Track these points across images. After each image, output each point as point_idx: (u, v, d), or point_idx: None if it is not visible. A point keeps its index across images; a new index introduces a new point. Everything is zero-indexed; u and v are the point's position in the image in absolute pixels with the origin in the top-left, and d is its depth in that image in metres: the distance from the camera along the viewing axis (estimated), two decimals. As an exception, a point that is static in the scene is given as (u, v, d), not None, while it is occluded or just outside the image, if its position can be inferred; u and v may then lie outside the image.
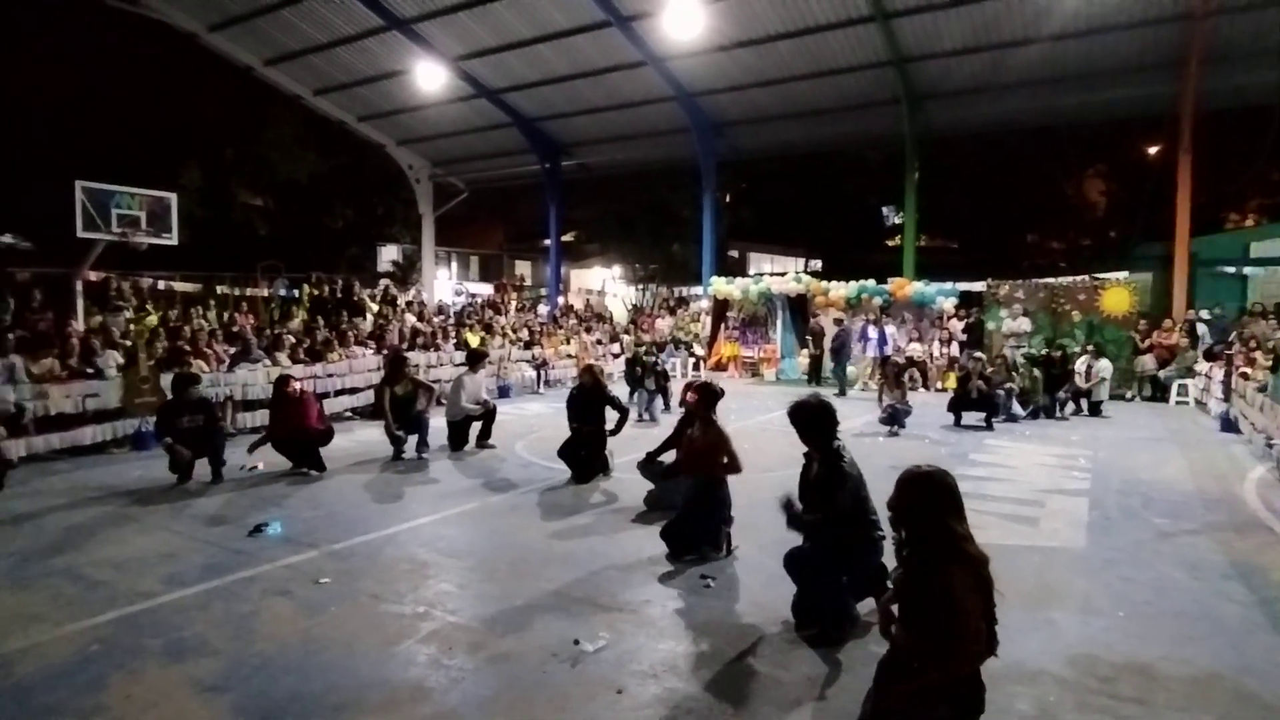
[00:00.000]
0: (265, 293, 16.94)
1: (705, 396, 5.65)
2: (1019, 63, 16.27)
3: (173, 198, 13.09)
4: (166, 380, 9.32)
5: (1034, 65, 16.25)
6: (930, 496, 2.64)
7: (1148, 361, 14.64)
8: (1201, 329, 14.86)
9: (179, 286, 17.00)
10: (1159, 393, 14.30)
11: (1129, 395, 14.35)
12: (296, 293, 15.99)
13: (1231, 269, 19.61)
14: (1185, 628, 4.17)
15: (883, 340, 16.03)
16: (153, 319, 12.76)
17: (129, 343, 10.06)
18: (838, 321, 16.35)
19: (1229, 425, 10.81)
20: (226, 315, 14.27)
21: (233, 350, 11.08)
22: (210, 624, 4.14)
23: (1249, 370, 10.99)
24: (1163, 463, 8.69)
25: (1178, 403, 13.70)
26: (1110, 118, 20.36)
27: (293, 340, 12.19)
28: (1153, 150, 23.62)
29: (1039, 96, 17.33)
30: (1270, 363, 10.43)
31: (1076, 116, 19.34)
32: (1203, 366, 13.30)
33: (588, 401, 7.80)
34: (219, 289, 17.03)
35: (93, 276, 13.30)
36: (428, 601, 4.46)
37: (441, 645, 3.88)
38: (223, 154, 27.58)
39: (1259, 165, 20.92)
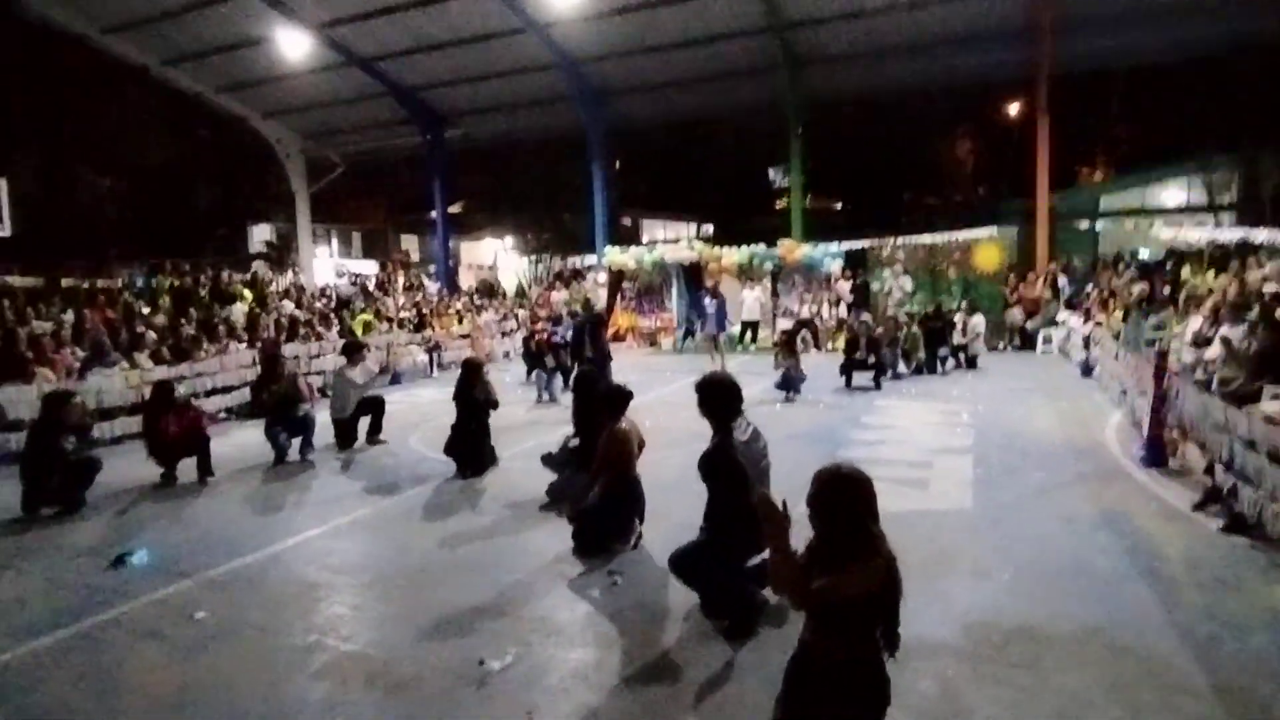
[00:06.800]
0: (119, 284, 15.54)
1: (611, 402, 5.42)
2: (890, 29, 16.77)
3: (1, 183, 11.77)
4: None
5: (904, 32, 16.78)
6: (846, 497, 2.62)
7: (1016, 314, 15.57)
8: (1062, 281, 15.91)
9: (17, 281, 15.37)
10: (1027, 343, 15.25)
11: (1000, 346, 15.24)
12: (154, 283, 14.71)
13: (1085, 223, 21.07)
14: (1064, 583, 4.40)
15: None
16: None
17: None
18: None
19: (1089, 371, 11.65)
20: (73, 312, 12.96)
21: (84, 354, 10.06)
22: (67, 681, 3.71)
23: (1103, 319, 11.85)
24: (1035, 413, 9.27)
25: (1043, 352, 14.65)
26: (975, 81, 21.32)
27: (155, 337, 11.22)
28: (1014, 111, 24.98)
29: (909, 61, 17.91)
30: (1122, 312, 11.27)
31: (944, 80, 20.14)
32: (1064, 316, 14.26)
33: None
34: (65, 282, 15.49)
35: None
36: (319, 629, 4.17)
37: (336, 679, 3.63)
38: (60, 132, 25.01)
39: (1109, 123, 22.48)
